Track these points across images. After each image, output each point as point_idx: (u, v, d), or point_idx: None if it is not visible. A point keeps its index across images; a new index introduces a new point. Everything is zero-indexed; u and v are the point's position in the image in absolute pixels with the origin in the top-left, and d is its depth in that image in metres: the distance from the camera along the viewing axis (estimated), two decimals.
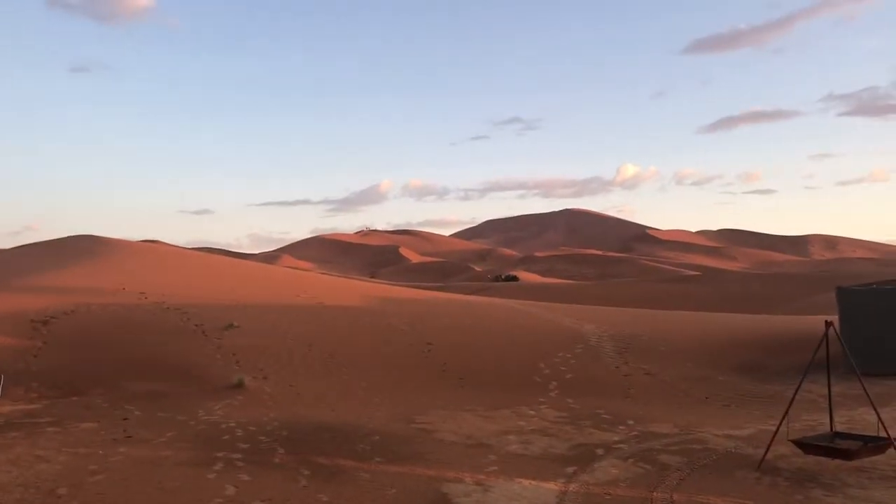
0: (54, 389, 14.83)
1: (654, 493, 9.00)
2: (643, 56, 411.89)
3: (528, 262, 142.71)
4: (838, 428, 11.25)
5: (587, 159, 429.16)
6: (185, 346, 17.77)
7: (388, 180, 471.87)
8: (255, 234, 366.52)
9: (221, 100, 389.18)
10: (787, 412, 10.52)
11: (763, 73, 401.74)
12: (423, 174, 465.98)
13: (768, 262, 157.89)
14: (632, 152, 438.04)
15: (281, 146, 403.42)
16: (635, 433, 12.37)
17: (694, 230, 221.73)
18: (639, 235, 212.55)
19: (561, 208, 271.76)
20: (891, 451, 9.94)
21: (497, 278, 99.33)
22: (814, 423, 12.76)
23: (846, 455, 9.79)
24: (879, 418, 10.21)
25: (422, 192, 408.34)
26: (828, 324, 10.41)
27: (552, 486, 9.27)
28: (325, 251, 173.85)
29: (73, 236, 35.34)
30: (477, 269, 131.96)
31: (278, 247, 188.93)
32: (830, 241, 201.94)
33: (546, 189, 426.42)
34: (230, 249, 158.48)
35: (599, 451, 11.07)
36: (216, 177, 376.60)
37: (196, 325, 19.25)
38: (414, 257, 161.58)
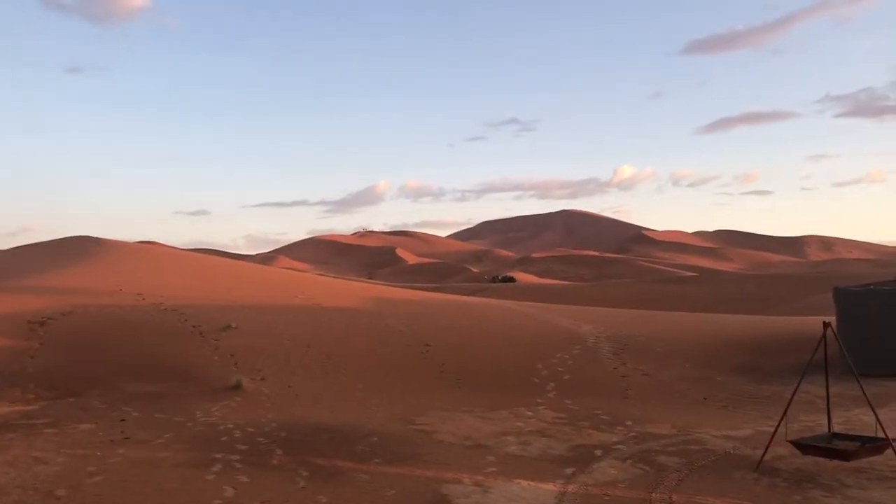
0: (51, 390, 14.77)
1: (653, 494, 9.01)
2: (640, 57, 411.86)
3: (524, 263, 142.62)
4: (836, 429, 11.26)
5: (584, 160, 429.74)
6: (183, 347, 17.74)
7: (384, 181, 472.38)
8: (251, 235, 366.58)
9: (217, 100, 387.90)
10: (785, 413, 10.54)
11: (760, 74, 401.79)
12: (419, 175, 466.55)
13: (765, 262, 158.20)
14: (629, 153, 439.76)
15: (277, 147, 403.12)
16: (633, 434, 12.38)
17: (690, 231, 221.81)
18: (635, 236, 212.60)
19: (558, 209, 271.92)
20: (889, 451, 9.95)
21: (494, 279, 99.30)
22: (812, 423, 12.78)
23: (844, 456, 9.82)
24: (877, 419, 10.23)
25: (419, 193, 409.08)
26: (826, 325, 10.43)
27: (551, 487, 9.28)
28: (322, 252, 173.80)
29: (70, 237, 35.33)
30: (474, 270, 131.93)
31: (275, 248, 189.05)
32: (827, 242, 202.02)
33: (543, 190, 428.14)
34: (227, 250, 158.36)
35: (598, 452, 11.09)
36: (212, 178, 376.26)
37: (193, 327, 19.21)
38: (411, 258, 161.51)
